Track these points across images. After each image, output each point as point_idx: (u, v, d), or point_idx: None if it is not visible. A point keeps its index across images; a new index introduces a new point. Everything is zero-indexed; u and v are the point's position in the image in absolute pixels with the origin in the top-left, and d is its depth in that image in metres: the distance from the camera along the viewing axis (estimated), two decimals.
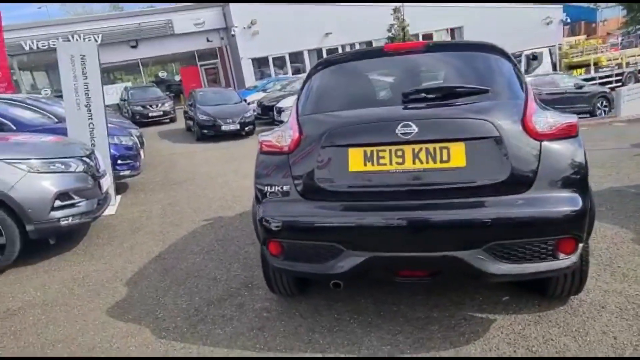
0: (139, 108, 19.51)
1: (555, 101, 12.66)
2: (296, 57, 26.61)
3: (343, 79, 2.79)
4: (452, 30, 29.00)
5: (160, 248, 4.36)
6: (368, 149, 2.34)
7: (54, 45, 23.38)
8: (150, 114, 19.46)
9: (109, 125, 7.66)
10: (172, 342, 2.67)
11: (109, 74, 29.46)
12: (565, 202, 2.19)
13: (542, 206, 2.16)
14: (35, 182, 4.00)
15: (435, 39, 28.56)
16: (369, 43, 27.66)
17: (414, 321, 2.65)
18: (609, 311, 2.57)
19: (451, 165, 2.24)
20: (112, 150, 6.78)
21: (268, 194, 2.54)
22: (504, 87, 2.50)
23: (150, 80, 28.30)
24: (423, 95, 2.43)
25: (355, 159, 2.35)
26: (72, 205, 4.22)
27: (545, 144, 2.25)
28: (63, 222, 4.13)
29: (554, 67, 21.19)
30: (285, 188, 2.49)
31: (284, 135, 2.56)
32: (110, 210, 5.97)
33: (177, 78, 28.36)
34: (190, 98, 17.46)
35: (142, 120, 19.16)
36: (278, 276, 2.84)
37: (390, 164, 2.30)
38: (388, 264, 2.31)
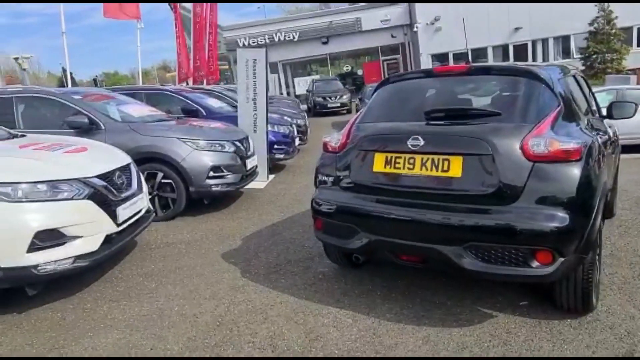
0: (320, 99, 21.69)
1: None
2: (478, 53, 25.71)
3: (393, 96, 3.36)
4: None
5: (280, 218, 5.48)
6: (389, 155, 2.92)
7: (261, 42, 27.45)
8: (328, 105, 21.50)
9: (274, 115, 9.26)
10: (249, 280, 3.70)
11: (305, 66, 32.94)
12: (545, 218, 2.45)
13: (518, 218, 2.47)
14: (198, 156, 5.50)
15: None
16: (566, 38, 25.14)
17: (427, 303, 3.14)
18: (614, 333, 2.66)
19: (449, 175, 2.69)
20: (271, 137, 8.28)
21: (321, 182, 3.33)
22: (519, 111, 2.77)
23: (338, 73, 30.80)
24: (441, 114, 2.89)
25: (379, 162, 2.96)
26: (222, 177, 5.65)
27: (537, 164, 2.52)
28: (214, 188, 5.58)
29: None
30: (330, 179, 3.24)
31: (337, 138, 3.30)
32: (260, 185, 7.45)
33: (360, 72, 30.18)
34: (361, 92, 18.74)
35: (321, 111, 21.36)
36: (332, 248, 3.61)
37: (403, 168, 2.85)
38: (389, 247, 2.88)
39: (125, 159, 4.15)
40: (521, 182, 2.52)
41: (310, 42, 27.66)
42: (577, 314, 2.82)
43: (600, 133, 3.37)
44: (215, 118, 7.95)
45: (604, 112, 4.10)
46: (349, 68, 31.16)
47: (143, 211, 4.20)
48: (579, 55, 23.30)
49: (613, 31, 21.87)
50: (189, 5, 17.09)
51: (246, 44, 27.37)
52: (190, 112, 8.10)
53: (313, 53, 28.50)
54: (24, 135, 4.29)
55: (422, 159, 2.79)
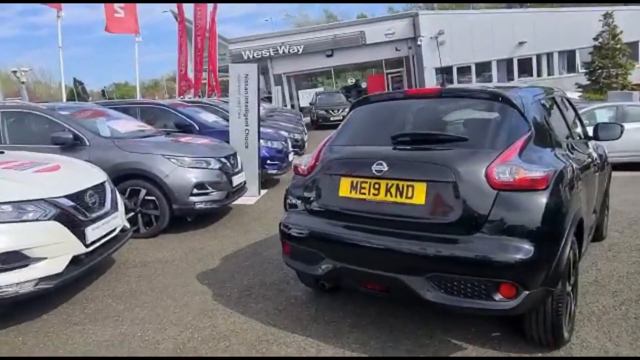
0: (323, 112, 21.72)
1: None
2: (483, 67, 25.67)
3: (365, 118, 3.29)
4: None
5: (264, 237, 5.40)
6: (354, 179, 2.84)
7: (265, 54, 27.61)
8: (331, 118, 21.47)
9: (268, 130, 9.23)
10: (219, 304, 3.61)
11: (311, 79, 33.07)
12: (508, 249, 2.35)
13: (481, 249, 2.37)
14: (182, 173, 5.45)
15: None
16: (571, 52, 25.05)
17: (396, 333, 3.02)
18: None
19: (413, 202, 2.60)
20: (263, 152, 8.24)
21: (290, 205, 3.25)
22: (486, 136, 2.67)
23: (343, 86, 30.86)
24: (408, 138, 2.81)
25: (344, 186, 2.88)
26: (206, 194, 5.59)
27: (502, 193, 2.42)
28: (197, 206, 5.52)
29: None
30: (299, 203, 3.16)
31: (307, 161, 3.22)
32: (251, 201, 7.39)
33: (365, 85, 30.21)
34: None
35: (324, 124, 21.35)
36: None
37: (369, 194, 2.77)
38: (352, 274, 2.79)
39: (100, 177, 4.10)
40: (485, 211, 2.42)
41: (314, 54, 27.74)
42: (549, 347, 2.70)
43: (580, 157, 3.27)
44: (209, 133, 7.92)
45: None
46: (353, 81, 31.18)
47: (117, 230, 4.15)
48: (584, 70, 23.16)
49: (618, 46, 21.74)
50: (191, 16, 17.23)
51: (251, 56, 27.53)
52: (184, 127, 8.10)
53: (318, 66, 28.59)
54: (1, 152, 4.26)
55: (387, 184, 2.70)
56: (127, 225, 4.49)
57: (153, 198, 5.41)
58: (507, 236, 2.38)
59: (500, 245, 2.36)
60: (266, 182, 8.46)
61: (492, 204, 2.42)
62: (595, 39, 22.13)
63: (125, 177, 5.37)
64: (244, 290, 3.85)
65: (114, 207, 4.10)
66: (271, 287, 3.91)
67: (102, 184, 4.07)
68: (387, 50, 27.64)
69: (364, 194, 2.78)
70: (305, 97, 29.29)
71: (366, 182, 2.78)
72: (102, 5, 12.69)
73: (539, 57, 25.23)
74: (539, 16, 24.69)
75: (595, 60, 22.17)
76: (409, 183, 2.62)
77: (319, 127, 21.22)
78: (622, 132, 4.02)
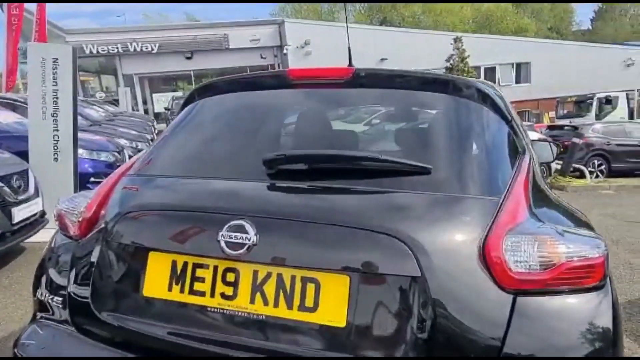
0: None
1: (626, 154, 11.09)
2: None
3: (207, 122, 1.67)
4: (518, 65, 27.06)
5: None
6: (179, 259, 1.22)
7: (113, 50, 24.21)
8: None
9: (95, 137, 7.09)
10: None
11: (170, 82, 30.08)
12: None
13: None
14: None
15: (499, 73, 26.80)
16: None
17: None
18: None
19: (318, 320, 1.08)
20: (85, 167, 6.13)
21: (40, 305, 1.49)
22: (464, 165, 1.28)
23: None
24: (301, 165, 1.28)
25: (156, 274, 1.24)
26: None
27: (523, 300, 1.04)
28: None
29: (631, 115, 19.05)
30: (57, 302, 1.42)
31: (81, 208, 1.50)
32: None
33: None
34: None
35: None
36: None
37: (212, 295, 1.17)
38: None
39: None
40: (493, 344, 1.01)
41: (172, 55, 25.12)
42: None
43: None
44: (2, 139, 5.64)
45: None
46: None
47: None
48: None
49: (466, 69, 23.44)
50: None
51: (94, 51, 23.87)
52: None
53: (176, 68, 26.00)
54: None
55: (255, 273, 1.14)
56: None
57: None
58: None
59: None
60: None
61: (506, 327, 1.02)
62: (447, 60, 23.63)
63: None
64: None
65: None
66: None
67: None
68: (252, 57, 26.26)
69: (202, 293, 1.18)
70: (162, 101, 26.43)
71: (205, 269, 1.19)
72: None
73: None
74: (397, 35, 25.69)
75: None
76: (308, 274, 1.10)
77: None
78: (555, 153, 3.14)
